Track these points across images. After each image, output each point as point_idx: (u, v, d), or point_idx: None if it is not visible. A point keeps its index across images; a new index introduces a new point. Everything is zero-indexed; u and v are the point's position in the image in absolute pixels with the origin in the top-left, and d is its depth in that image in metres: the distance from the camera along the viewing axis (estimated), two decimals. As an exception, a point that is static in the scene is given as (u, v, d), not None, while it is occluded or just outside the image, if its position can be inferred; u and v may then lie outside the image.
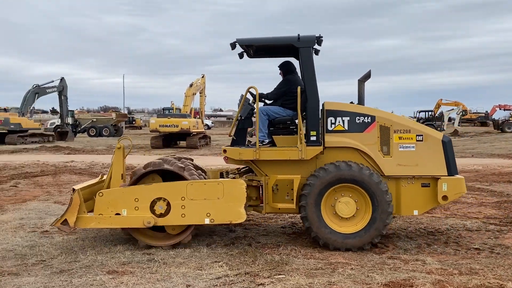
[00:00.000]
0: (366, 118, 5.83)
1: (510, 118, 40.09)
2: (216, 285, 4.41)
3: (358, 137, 5.82)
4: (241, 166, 6.75)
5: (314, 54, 6.30)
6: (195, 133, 26.19)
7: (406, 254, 5.43)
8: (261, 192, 6.09)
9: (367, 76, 6.46)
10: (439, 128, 37.29)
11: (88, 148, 25.57)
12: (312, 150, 5.76)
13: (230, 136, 6.28)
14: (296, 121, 6.10)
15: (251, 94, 6.20)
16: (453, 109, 39.65)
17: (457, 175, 5.80)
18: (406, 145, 5.78)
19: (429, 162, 5.76)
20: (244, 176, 6.42)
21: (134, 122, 61.48)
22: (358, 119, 5.84)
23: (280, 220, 7.38)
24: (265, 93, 6.42)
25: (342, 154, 5.87)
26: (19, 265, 5.08)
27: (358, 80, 6.44)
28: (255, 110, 6.07)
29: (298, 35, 5.85)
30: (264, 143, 6.10)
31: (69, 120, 37.06)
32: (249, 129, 6.34)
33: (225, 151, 6.00)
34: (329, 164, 5.69)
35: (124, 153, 6.10)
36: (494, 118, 46.35)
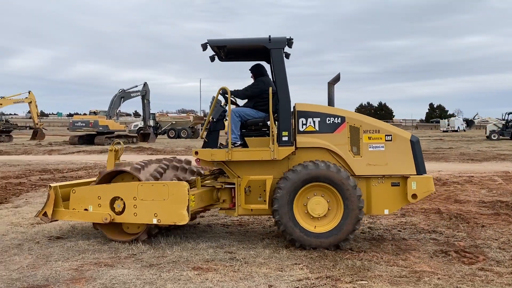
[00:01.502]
0: (336, 119, 5.91)
1: None
2: (298, 287, 4.44)
3: (328, 138, 5.90)
4: (214, 168, 6.72)
5: (285, 57, 6.44)
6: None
7: (499, 266, 5.08)
8: (232, 194, 6.15)
9: (337, 79, 6.51)
10: (531, 132, 34.35)
11: (169, 149, 26.79)
12: (284, 150, 5.84)
13: (201, 138, 6.29)
14: (268, 122, 6.08)
15: (223, 95, 6.20)
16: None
17: (425, 174, 5.83)
18: (376, 145, 5.85)
19: (398, 161, 5.82)
20: (217, 178, 6.46)
21: (209, 125, 63.47)
22: (328, 120, 5.91)
23: (359, 224, 7.23)
24: (236, 90, 6.38)
25: (314, 154, 5.94)
26: (113, 258, 5.48)
27: (328, 82, 6.46)
28: (227, 112, 6.07)
29: (269, 36, 5.87)
30: (236, 145, 6.10)
31: (151, 123, 39.08)
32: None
33: (196, 152, 6.02)
34: (297, 165, 5.77)
35: (117, 155, 6.61)
36: None
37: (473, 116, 43.02)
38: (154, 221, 5.80)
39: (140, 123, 41.36)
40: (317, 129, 5.92)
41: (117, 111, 32.56)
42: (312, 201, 5.74)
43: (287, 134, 5.87)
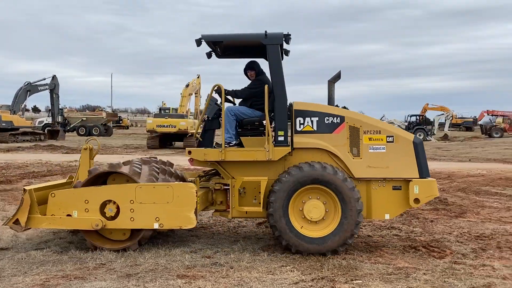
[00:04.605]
0: (335, 118, 5.69)
1: (500, 124, 40.91)
2: (296, 290, 4.34)
3: (327, 138, 5.68)
4: (208, 169, 6.56)
5: (284, 55, 6.22)
6: (192, 133, 25.99)
7: (467, 259, 5.43)
8: (227, 196, 5.92)
9: (337, 77, 6.36)
10: (429, 133, 37.89)
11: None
12: (280, 151, 5.60)
13: (195, 137, 6.07)
14: (264, 122, 5.94)
15: (218, 93, 5.97)
16: (442, 114, 40.33)
17: (428, 178, 5.68)
18: (376, 146, 5.64)
19: (400, 164, 5.61)
20: (212, 179, 6.16)
21: (121, 122, 60.66)
22: (327, 120, 5.69)
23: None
24: (234, 89, 6.16)
25: (311, 155, 5.71)
26: (80, 269, 4.92)
27: (328, 81, 6.34)
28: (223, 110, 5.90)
29: (265, 31, 5.66)
30: (231, 144, 5.86)
31: (59, 119, 36.32)
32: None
33: (190, 152, 5.75)
34: (292, 167, 5.55)
35: (91, 154, 6.13)
36: (481, 124, 47.30)
37: (380, 118, 46.34)
38: (156, 226, 5.37)
39: (46, 119, 38.32)
40: (315, 129, 5.68)
41: (23, 105, 29.77)
42: (308, 205, 5.49)
43: (283, 134, 5.60)
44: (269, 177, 5.71)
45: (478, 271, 4.91)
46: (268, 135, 5.64)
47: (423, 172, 5.65)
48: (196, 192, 5.36)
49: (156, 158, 6.31)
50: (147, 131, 26.41)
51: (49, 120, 35.53)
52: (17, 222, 5.49)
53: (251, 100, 6.14)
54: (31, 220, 5.49)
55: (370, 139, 5.65)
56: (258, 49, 6.19)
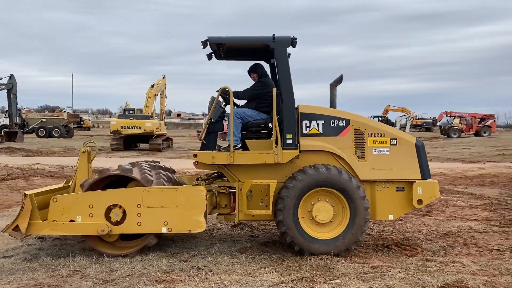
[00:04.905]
0: (340, 121, 5.82)
1: (457, 124, 42.55)
2: (277, 291, 4.36)
3: (333, 141, 5.79)
4: (211, 172, 6.52)
5: None
6: (158, 135, 25.62)
7: (437, 256, 5.63)
8: (232, 199, 5.93)
9: (339, 80, 6.43)
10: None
11: (44, 149, 24.26)
12: (288, 154, 5.62)
13: (200, 140, 6.01)
14: (270, 124, 5.97)
15: (223, 96, 5.97)
16: (404, 115, 41.61)
17: (430, 179, 5.92)
18: (381, 148, 5.81)
19: (403, 166, 5.81)
20: (214, 182, 6.13)
21: (82, 123, 58.89)
22: (332, 123, 5.81)
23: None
24: (236, 91, 6.11)
25: (317, 158, 5.79)
26: (53, 276, 4.76)
27: (330, 84, 6.45)
28: (227, 113, 5.89)
29: (273, 35, 5.71)
30: (236, 147, 5.84)
31: (17, 120, 34.89)
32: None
33: (195, 155, 5.73)
34: (297, 172, 5.63)
35: (89, 157, 5.99)
36: (440, 125, 49.05)
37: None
38: (164, 230, 5.31)
39: (3, 120, 36.81)
40: (321, 132, 5.75)
41: (-22, 106, 28.40)
42: (317, 207, 5.55)
43: (291, 137, 5.61)
44: (278, 179, 5.71)
45: (449, 268, 5.10)
46: (276, 138, 5.61)
47: (425, 173, 5.87)
48: (206, 195, 5.34)
49: (174, 170, 6.33)
50: (111, 133, 25.78)
51: (6, 121, 34.09)
52: (16, 228, 5.26)
53: (256, 102, 6.12)
54: (32, 226, 5.29)
55: (374, 141, 5.80)
56: (260, 51, 6.24)
